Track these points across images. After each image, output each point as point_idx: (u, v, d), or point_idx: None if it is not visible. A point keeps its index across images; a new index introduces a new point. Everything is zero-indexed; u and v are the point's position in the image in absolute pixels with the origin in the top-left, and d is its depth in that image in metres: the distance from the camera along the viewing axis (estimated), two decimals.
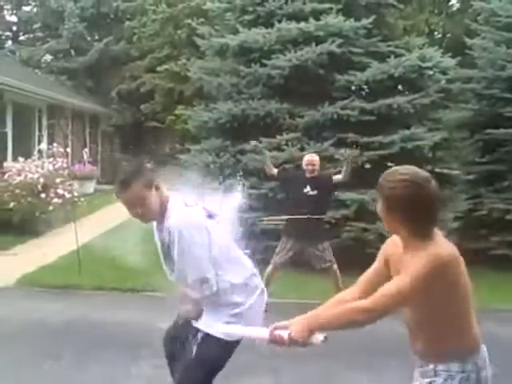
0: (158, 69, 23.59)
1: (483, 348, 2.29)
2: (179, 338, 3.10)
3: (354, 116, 8.45)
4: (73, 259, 7.85)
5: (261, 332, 2.51)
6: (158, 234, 3.03)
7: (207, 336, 2.93)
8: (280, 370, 4.73)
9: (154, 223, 3.04)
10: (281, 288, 6.91)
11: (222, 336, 2.88)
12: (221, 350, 2.96)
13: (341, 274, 6.54)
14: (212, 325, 2.89)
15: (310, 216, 6.31)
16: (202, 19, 18.80)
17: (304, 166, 6.62)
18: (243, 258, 3.11)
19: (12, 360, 4.74)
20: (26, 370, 4.51)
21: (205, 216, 2.96)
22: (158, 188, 2.94)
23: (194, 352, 2.97)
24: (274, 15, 9.30)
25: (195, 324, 3.01)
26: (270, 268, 6.57)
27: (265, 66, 8.88)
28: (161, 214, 2.94)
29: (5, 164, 13.57)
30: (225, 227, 3.10)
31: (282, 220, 6.74)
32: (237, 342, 3.00)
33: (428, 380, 2.27)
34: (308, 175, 6.56)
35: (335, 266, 6.49)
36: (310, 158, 6.62)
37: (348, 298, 2.44)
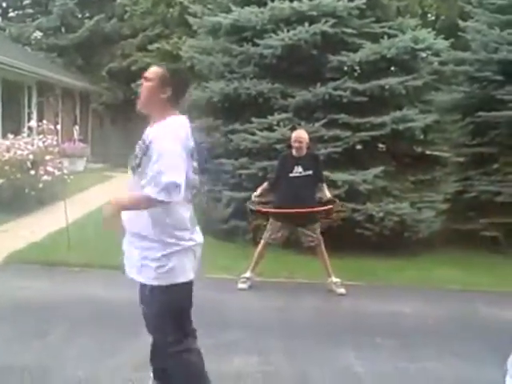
0: (150, 47, 23.39)
1: None
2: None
3: (346, 97, 8.41)
4: (62, 236, 7.83)
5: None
6: (141, 139, 3.02)
7: (150, 288, 2.95)
8: (267, 348, 4.75)
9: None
10: (270, 267, 6.95)
11: (162, 283, 2.90)
12: (169, 296, 2.96)
13: (330, 253, 6.57)
14: (148, 274, 2.91)
15: (298, 210, 6.29)
16: None
17: (292, 143, 6.59)
18: (189, 204, 3.07)
19: (0, 337, 4.73)
20: (14, 347, 4.51)
21: (188, 141, 3.00)
22: (170, 98, 3.00)
23: (147, 309, 3.00)
24: None
25: (131, 275, 3.02)
26: (260, 245, 6.60)
27: (257, 45, 8.81)
28: (156, 119, 3.00)
29: None
30: (195, 166, 3.08)
31: (270, 208, 6.69)
32: (185, 282, 2.99)
33: None
34: (296, 154, 6.53)
35: (322, 245, 6.49)
36: (297, 135, 6.57)
37: None
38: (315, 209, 6.44)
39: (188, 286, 3.03)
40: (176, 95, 3.03)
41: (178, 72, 3.14)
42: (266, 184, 6.78)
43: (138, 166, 2.95)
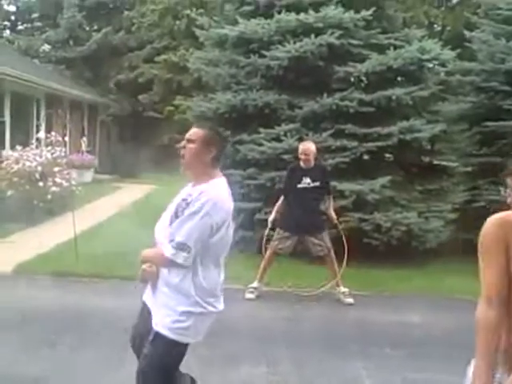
0: (157, 59, 23.56)
1: None
2: (141, 335, 3.07)
3: (353, 107, 8.44)
4: (70, 247, 7.86)
5: None
6: (180, 196, 3.03)
7: (158, 335, 2.92)
8: (275, 358, 4.75)
9: (185, 187, 3.08)
10: (278, 277, 6.95)
11: (171, 336, 2.89)
12: (170, 350, 2.94)
13: (338, 263, 6.59)
14: (163, 321, 2.89)
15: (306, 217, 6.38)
16: (201, 10, 18.79)
17: (299, 155, 6.62)
18: (221, 270, 3.08)
19: (9, 347, 4.75)
20: (23, 357, 4.52)
21: (229, 209, 3.01)
22: (214, 159, 3.02)
23: (146, 351, 2.97)
24: (273, 6, 9.30)
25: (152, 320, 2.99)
26: (267, 254, 6.62)
27: (264, 56, 8.86)
28: (199, 179, 3.00)
29: (3, 153, 13.56)
30: (231, 231, 3.09)
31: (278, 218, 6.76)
32: (188, 343, 2.99)
33: None
34: (304, 166, 6.56)
35: (332, 254, 6.53)
36: (304, 148, 6.60)
37: (495, 322, 2.13)
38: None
39: (187, 346, 3.03)
40: (219, 154, 3.06)
41: (218, 131, 3.19)
42: (280, 199, 6.77)
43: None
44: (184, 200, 2.95)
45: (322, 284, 6.71)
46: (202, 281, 2.92)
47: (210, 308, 2.98)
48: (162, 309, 2.95)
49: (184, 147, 3.02)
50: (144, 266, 2.97)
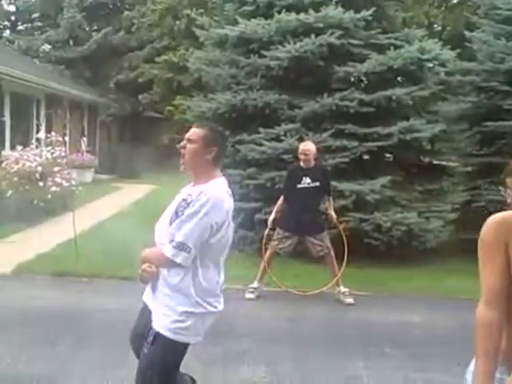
0: (157, 59, 23.57)
1: None
2: (141, 335, 3.05)
3: (353, 107, 8.44)
4: (70, 247, 7.86)
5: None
6: (180, 196, 3.02)
7: (158, 335, 2.92)
8: (275, 358, 4.75)
9: (186, 187, 3.08)
10: (278, 277, 6.95)
11: (171, 336, 2.89)
12: (169, 351, 2.94)
13: (338, 263, 6.59)
14: (163, 321, 2.90)
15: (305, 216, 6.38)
16: (201, 10, 18.82)
17: (299, 155, 6.63)
18: (222, 269, 3.08)
19: (9, 347, 4.75)
20: (22, 356, 4.53)
21: (229, 210, 3.01)
22: (214, 159, 3.01)
23: (145, 352, 2.97)
24: (273, 6, 9.29)
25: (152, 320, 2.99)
26: (267, 254, 6.62)
27: (264, 56, 8.86)
28: (199, 179, 3.00)
29: (3, 153, 13.58)
30: (231, 231, 3.09)
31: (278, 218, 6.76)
32: (188, 343, 2.99)
33: None
34: (304, 166, 6.56)
35: (332, 254, 6.54)
36: (304, 148, 6.59)
37: (495, 322, 2.10)
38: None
39: (188, 346, 3.03)
40: (220, 154, 3.06)
41: (218, 131, 3.18)
42: (281, 199, 6.77)
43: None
44: (184, 200, 2.95)
45: (324, 284, 6.71)
46: (201, 281, 2.92)
47: (210, 308, 2.98)
48: (161, 309, 2.96)
49: (184, 147, 3.03)
50: (144, 266, 2.97)
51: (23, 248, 8.32)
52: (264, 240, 6.92)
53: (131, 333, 3.22)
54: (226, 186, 3.07)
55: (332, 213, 6.77)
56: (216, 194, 2.92)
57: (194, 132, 3.06)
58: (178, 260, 2.81)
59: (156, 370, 2.97)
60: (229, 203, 3.02)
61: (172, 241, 2.82)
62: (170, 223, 2.95)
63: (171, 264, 2.85)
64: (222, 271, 3.08)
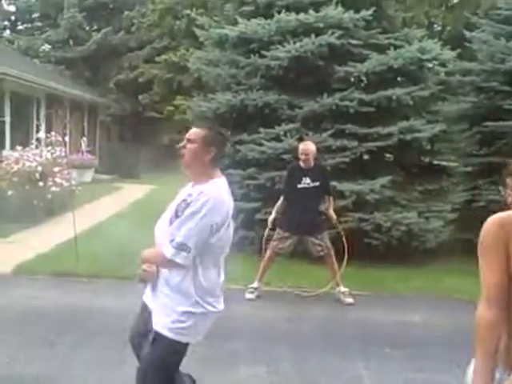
0: (157, 59, 23.58)
1: None
2: (141, 334, 3.08)
3: (353, 107, 8.44)
4: (70, 247, 7.85)
5: None
6: (180, 197, 3.03)
7: (158, 335, 2.92)
8: (275, 358, 4.75)
9: (185, 187, 3.08)
10: (278, 277, 6.95)
11: (172, 336, 2.89)
12: (170, 351, 2.94)
13: (338, 263, 6.59)
14: (163, 321, 2.90)
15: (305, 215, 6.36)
16: (201, 10, 18.83)
17: (299, 155, 6.62)
18: (221, 270, 3.08)
19: (8, 347, 4.75)
20: (21, 357, 4.52)
21: (229, 210, 3.00)
22: (213, 159, 3.01)
23: (146, 351, 2.98)
24: (273, 6, 9.29)
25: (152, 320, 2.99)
26: (267, 255, 6.62)
27: (264, 56, 8.86)
28: (199, 179, 3.00)
29: (3, 153, 13.59)
30: (231, 231, 3.09)
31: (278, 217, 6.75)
32: (188, 343, 2.99)
33: None
34: (303, 166, 6.56)
35: (332, 254, 6.53)
36: (304, 147, 6.59)
37: (495, 322, 2.10)
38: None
39: (188, 345, 3.04)
40: (219, 155, 3.06)
41: (218, 132, 3.17)
42: (281, 199, 6.76)
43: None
44: (184, 200, 2.95)
45: (325, 285, 6.71)
46: (202, 281, 2.92)
47: (210, 308, 2.98)
48: (162, 309, 2.96)
49: (184, 147, 3.03)
50: (144, 267, 2.97)
51: (23, 248, 8.31)
52: (264, 240, 6.92)
53: (130, 332, 3.23)
54: (226, 186, 3.07)
55: (332, 213, 6.76)
56: (216, 195, 2.92)
57: (194, 132, 3.06)
58: (178, 260, 2.81)
59: (156, 369, 2.98)
60: (229, 203, 3.02)
61: (172, 241, 2.82)
62: (170, 223, 2.95)
63: (171, 264, 2.85)
64: (223, 271, 3.09)
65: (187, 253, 2.81)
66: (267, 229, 6.87)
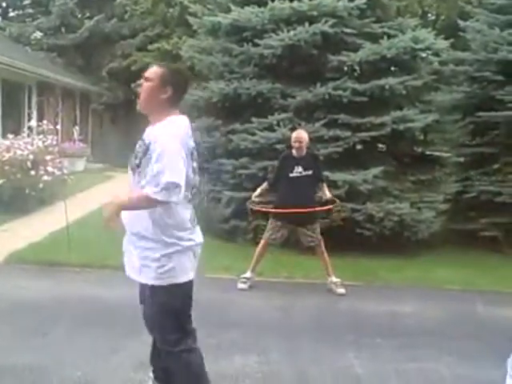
0: (150, 47, 23.40)
1: None
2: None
3: (346, 97, 8.41)
4: (62, 236, 7.83)
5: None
6: (141, 139, 3.02)
7: (151, 288, 2.96)
8: (267, 348, 4.75)
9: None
10: (270, 267, 6.96)
11: (162, 283, 2.92)
12: (168, 297, 2.97)
13: (330, 253, 6.58)
14: (147, 273, 2.93)
15: (298, 210, 6.27)
16: None
17: (292, 144, 6.59)
18: (187, 206, 3.06)
19: (1, 337, 4.73)
20: (13, 346, 4.51)
21: (187, 145, 2.98)
22: (170, 98, 2.97)
23: (150, 307, 3.01)
24: None
25: (131, 276, 3.05)
26: (260, 245, 6.61)
27: (257, 45, 8.81)
28: (156, 119, 2.98)
29: None
30: (194, 175, 3.07)
31: (270, 208, 6.70)
32: (184, 283, 3.00)
33: None
34: (296, 154, 6.53)
35: (322, 245, 6.51)
36: (297, 135, 6.57)
37: None
38: (315, 208, 6.46)
39: (188, 285, 3.04)
40: (176, 95, 3.01)
41: (178, 71, 3.11)
42: (265, 184, 6.79)
43: (138, 166, 2.94)
44: (142, 141, 2.93)
45: (317, 275, 6.72)
46: (164, 218, 2.90)
47: (185, 243, 2.97)
48: (140, 262, 2.97)
49: (140, 85, 2.99)
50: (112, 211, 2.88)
51: (15, 237, 8.28)
52: (250, 220, 6.84)
53: (139, 295, 3.24)
54: (183, 122, 3.02)
55: (328, 194, 6.64)
56: (173, 123, 2.91)
57: (152, 70, 3.01)
58: (173, 198, 2.78)
59: (163, 317, 3.01)
60: (186, 139, 2.98)
61: (158, 185, 2.77)
62: (132, 169, 2.96)
63: (156, 204, 2.81)
64: (189, 208, 3.05)
65: (179, 190, 2.79)
66: (250, 200, 6.79)
